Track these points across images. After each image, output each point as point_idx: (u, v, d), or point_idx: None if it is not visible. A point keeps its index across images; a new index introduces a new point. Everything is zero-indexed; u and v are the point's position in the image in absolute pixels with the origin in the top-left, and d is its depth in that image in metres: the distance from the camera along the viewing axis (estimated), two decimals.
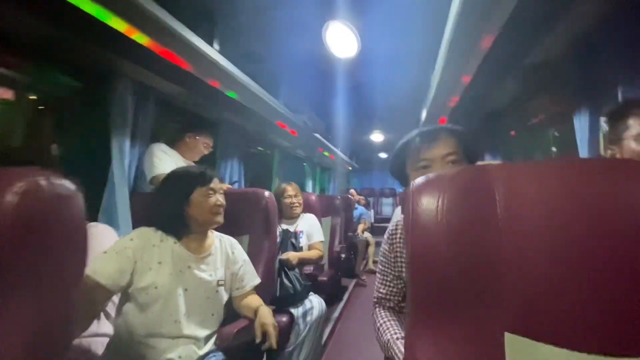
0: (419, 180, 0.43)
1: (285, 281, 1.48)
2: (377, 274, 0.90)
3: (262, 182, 3.39)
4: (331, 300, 2.65)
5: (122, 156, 1.45)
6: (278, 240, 1.79)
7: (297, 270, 1.61)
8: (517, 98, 1.91)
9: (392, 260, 0.84)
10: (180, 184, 1.07)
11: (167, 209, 1.06)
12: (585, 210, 0.36)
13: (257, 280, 1.17)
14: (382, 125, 3.81)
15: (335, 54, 1.73)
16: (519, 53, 1.31)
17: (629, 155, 0.77)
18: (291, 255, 1.63)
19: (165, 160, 1.55)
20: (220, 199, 1.08)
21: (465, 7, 0.99)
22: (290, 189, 1.97)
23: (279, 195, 1.97)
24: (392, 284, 0.85)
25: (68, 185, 0.52)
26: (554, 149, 2.14)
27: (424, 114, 2.21)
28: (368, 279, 3.68)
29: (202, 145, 1.74)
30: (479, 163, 0.83)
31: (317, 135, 3.10)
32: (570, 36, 1.21)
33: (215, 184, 1.09)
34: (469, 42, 1.15)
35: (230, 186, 2.02)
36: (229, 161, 2.32)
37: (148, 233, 1.03)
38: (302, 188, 4.37)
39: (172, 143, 1.70)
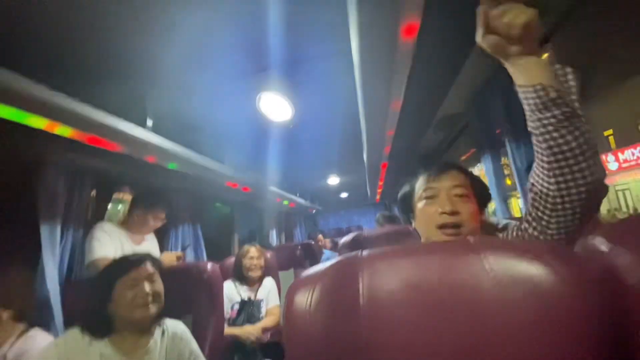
0: (295, 280, 0.47)
1: (236, 357, 1.41)
2: None
3: (225, 237, 3.31)
4: None
5: (53, 243, 1.38)
6: (236, 314, 1.73)
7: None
8: (442, 141, 2.14)
9: None
10: (102, 279, 0.99)
11: (91, 309, 0.97)
12: (427, 290, 0.42)
13: None
14: (335, 170, 3.97)
15: (271, 119, 1.84)
16: (429, 111, 1.49)
17: None
18: (255, 331, 1.59)
19: (106, 242, 1.49)
20: (146, 287, 0.97)
21: (365, 79, 1.12)
22: (254, 251, 1.95)
23: (242, 255, 1.94)
24: None
25: None
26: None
27: (365, 158, 2.36)
28: None
29: (152, 218, 1.69)
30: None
31: (272, 187, 3.15)
32: (465, 95, 1.42)
33: (140, 271, 0.99)
34: (380, 106, 1.30)
35: (180, 254, 1.96)
36: (179, 227, 2.26)
37: (75, 336, 0.94)
38: (265, 238, 4.32)
39: (122, 221, 1.65)
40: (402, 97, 1.28)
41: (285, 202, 4.02)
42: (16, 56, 0.96)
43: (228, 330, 1.59)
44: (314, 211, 6.36)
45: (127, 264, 0.99)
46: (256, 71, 1.48)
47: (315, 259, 3.62)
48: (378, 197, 4.49)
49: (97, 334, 0.94)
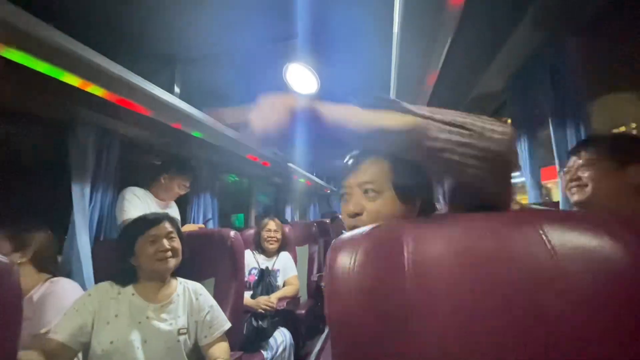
0: (337, 239, 0.46)
1: (253, 320, 1.46)
2: None
3: (240, 211, 3.37)
4: (312, 333, 2.59)
5: (84, 202, 1.43)
6: (255, 279, 1.80)
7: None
8: None
9: None
10: (126, 234, 1.09)
11: (116, 261, 1.08)
12: (474, 258, 0.40)
13: (227, 325, 1.14)
14: (352, 151, 3.91)
15: (297, 91, 1.80)
16: (463, 88, 1.42)
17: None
18: (273, 299, 1.65)
19: (136, 204, 1.56)
20: (166, 244, 1.07)
21: (403, 46, 1.06)
22: (273, 225, 2.04)
23: (261, 227, 2.04)
24: None
25: (3, 261, 0.51)
26: None
27: None
28: None
29: (177, 185, 1.74)
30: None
31: (290, 164, 3.14)
32: (506, 72, 1.33)
33: (159, 229, 1.08)
34: (414, 79, 1.24)
35: (202, 226, 2.01)
36: (201, 198, 2.31)
37: (105, 287, 1.05)
38: (282, 214, 4.38)
39: (148, 185, 1.70)
40: (439, 69, 1.21)
41: (302, 180, 4.02)
42: (54, 12, 0.95)
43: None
44: (328, 191, 6.36)
45: (147, 222, 1.09)
46: (284, 39, 1.43)
47: (329, 237, 3.65)
48: None
49: (123, 282, 1.05)
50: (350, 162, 0.69)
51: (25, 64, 0.92)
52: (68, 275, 1.27)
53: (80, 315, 0.96)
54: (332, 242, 0.46)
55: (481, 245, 0.41)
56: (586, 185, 0.85)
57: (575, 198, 0.87)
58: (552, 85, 1.11)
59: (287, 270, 1.94)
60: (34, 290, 1.08)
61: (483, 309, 0.38)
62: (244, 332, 1.43)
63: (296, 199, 4.80)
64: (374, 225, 0.47)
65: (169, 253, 1.07)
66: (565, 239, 0.39)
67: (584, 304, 0.35)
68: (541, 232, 0.40)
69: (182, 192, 1.79)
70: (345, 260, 0.43)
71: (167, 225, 1.10)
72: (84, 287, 1.30)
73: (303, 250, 2.74)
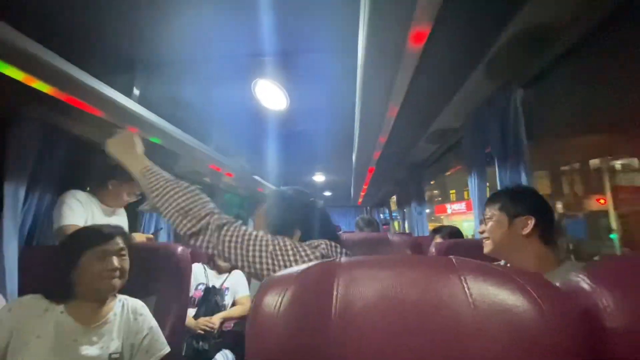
0: (267, 278, 0.45)
1: (194, 341, 1.38)
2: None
3: None
4: None
5: (16, 205, 1.29)
6: (200, 296, 1.70)
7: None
8: (432, 154, 2.16)
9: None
10: (70, 246, 0.97)
11: (55, 272, 0.96)
12: (404, 306, 0.40)
13: (165, 350, 1.04)
14: (322, 167, 3.96)
15: (266, 107, 1.80)
16: (424, 122, 1.50)
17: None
18: (215, 320, 1.57)
19: (77, 210, 1.44)
20: (115, 262, 0.97)
21: (366, 80, 1.10)
22: None
23: None
24: None
25: None
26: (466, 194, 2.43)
27: (354, 160, 2.35)
28: None
29: (127, 192, 1.62)
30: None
31: (256, 177, 3.10)
32: (461, 112, 1.43)
33: (111, 245, 0.98)
34: (376, 111, 1.29)
35: (151, 236, 1.89)
36: None
37: (30, 302, 0.92)
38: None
39: (94, 189, 1.58)
40: (400, 104, 1.27)
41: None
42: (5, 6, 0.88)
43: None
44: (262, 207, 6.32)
45: (99, 235, 0.98)
46: (255, 55, 1.43)
47: None
48: (360, 199, 4.51)
49: (55, 298, 0.93)
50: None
51: None
52: None
53: None
54: (262, 280, 0.45)
55: (409, 293, 0.42)
56: (488, 238, 0.98)
57: (484, 250, 0.99)
58: (500, 128, 1.21)
59: (239, 289, 1.86)
60: None
61: (407, 356, 0.39)
62: (183, 353, 1.34)
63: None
64: (308, 265, 0.47)
65: (117, 273, 0.97)
66: (485, 293, 0.40)
67: (499, 353, 0.37)
68: (464, 284, 0.41)
69: (132, 200, 1.68)
70: (271, 302, 0.41)
71: (119, 241, 1.01)
72: (6, 299, 1.16)
73: None
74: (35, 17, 1.06)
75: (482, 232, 1.01)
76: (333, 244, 0.79)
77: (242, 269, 0.72)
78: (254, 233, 0.74)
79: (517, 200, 0.95)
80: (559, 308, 0.36)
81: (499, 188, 1.21)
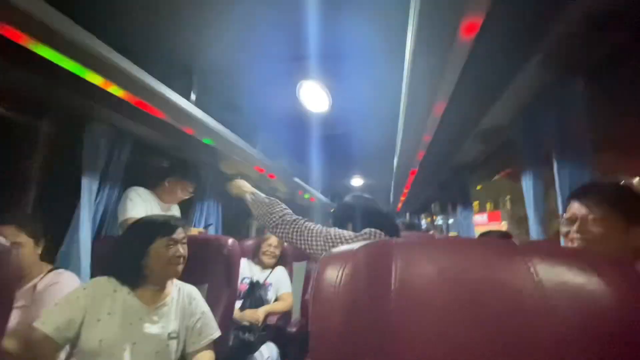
0: (326, 253, 0.47)
1: (240, 332, 1.44)
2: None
3: (242, 219, 3.38)
4: (302, 352, 2.51)
5: (91, 197, 1.46)
6: (246, 290, 1.78)
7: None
8: (478, 155, 2.06)
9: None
10: (141, 233, 1.07)
11: (125, 258, 1.05)
12: (461, 284, 0.40)
13: (216, 334, 1.12)
14: (361, 171, 3.94)
15: (309, 109, 1.85)
16: (471, 119, 1.44)
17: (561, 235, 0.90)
18: (260, 313, 1.63)
19: (139, 205, 1.59)
20: (181, 250, 1.07)
21: (413, 76, 1.09)
22: (274, 240, 2.03)
23: (263, 240, 2.04)
24: None
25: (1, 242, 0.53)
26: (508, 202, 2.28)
27: (395, 162, 2.32)
28: None
29: (181, 189, 1.77)
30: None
31: (296, 179, 3.16)
32: (513, 107, 1.35)
33: (178, 234, 1.08)
34: (422, 109, 1.26)
35: (203, 230, 2.02)
36: (205, 203, 2.33)
37: (102, 282, 1.03)
38: None
39: (153, 186, 1.73)
40: (448, 100, 1.24)
41: (306, 196, 4.03)
42: (83, 14, 1.01)
43: None
44: (332, 210, 6.35)
45: (168, 226, 1.08)
46: (300, 58, 1.49)
47: None
48: (400, 205, 4.40)
49: (127, 282, 1.03)
50: None
51: (53, 61, 0.97)
52: (66, 267, 1.29)
53: (71, 308, 0.93)
54: (322, 255, 0.47)
55: (469, 273, 0.42)
56: (592, 241, 0.80)
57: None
58: (558, 126, 1.12)
59: (281, 285, 1.91)
60: (37, 279, 1.09)
61: (467, 338, 0.38)
62: (230, 343, 1.41)
63: (298, 214, 4.78)
64: (368, 242, 0.48)
65: (181, 259, 1.08)
66: (553, 274, 0.39)
67: (568, 340, 0.35)
68: (530, 265, 0.40)
69: (186, 197, 1.81)
70: (332, 274, 0.43)
71: (181, 232, 1.11)
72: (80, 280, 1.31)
73: (300, 267, 2.71)
74: (110, 26, 1.20)
75: (574, 233, 0.84)
76: (377, 231, 0.99)
77: (304, 250, 1.02)
78: (311, 225, 1.05)
79: (632, 204, 0.79)
80: (634, 289, 0.33)
81: (558, 194, 1.12)
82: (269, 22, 1.25)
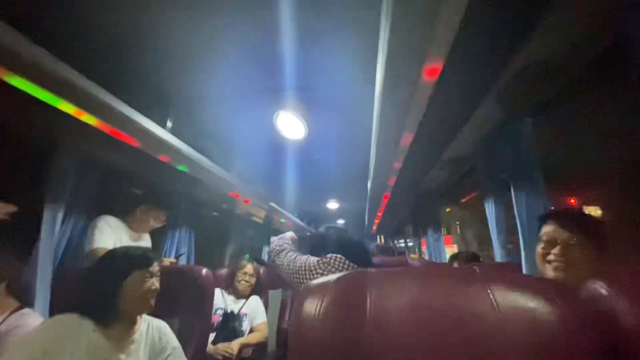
0: (305, 286, 0.49)
1: None
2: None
3: (215, 247, 3.28)
4: None
5: (54, 228, 1.38)
6: (219, 321, 1.71)
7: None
8: (445, 181, 2.19)
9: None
10: (116, 266, 1.02)
11: (95, 292, 0.99)
12: (428, 309, 0.44)
13: None
14: (336, 195, 4.01)
15: (285, 136, 1.90)
16: (436, 149, 1.55)
17: (537, 254, 0.93)
18: (234, 345, 1.57)
19: (107, 234, 1.52)
20: (156, 283, 1.04)
21: (383, 109, 1.17)
22: (250, 268, 1.99)
23: (237, 268, 1.97)
24: None
25: None
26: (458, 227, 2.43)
27: (369, 187, 2.40)
28: None
29: (153, 218, 1.71)
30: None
31: (272, 204, 3.16)
32: (474, 140, 1.48)
33: (154, 267, 1.05)
34: (391, 138, 1.35)
35: (174, 260, 1.95)
36: (177, 231, 2.26)
37: (64, 320, 0.95)
38: (259, 253, 4.27)
39: (123, 215, 1.66)
40: (415, 132, 1.33)
41: (282, 221, 4.01)
42: (56, 42, 1.00)
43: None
44: (308, 233, 6.32)
45: (145, 258, 1.05)
46: (276, 89, 1.55)
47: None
48: (375, 227, 4.48)
49: (96, 318, 0.96)
50: None
51: (26, 90, 0.96)
52: (23, 299, 1.19)
53: (31, 351, 0.85)
54: (302, 287, 0.49)
55: (436, 301, 0.46)
56: (572, 266, 0.83)
57: (556, 274, 0.85)
58: (512, 157, 1.25)
59: (256, 315, 1.85)
60: (0, 317, 1.00)
61: (434, 355, 0.42)
62: None
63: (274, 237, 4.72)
64: (340, 274, 0.51)
65: (155, 293, 1.04)
66: (509, 299, 0.44)
67: (521, 356, 0.39)
68: (489, 291, 0.45)
69: (157, 226, 1.75)
70: (311, 307, 0.46)
71: (157, 264, 1.08)
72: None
73: (276, 295, 2.64)
74: (84, 53, 1.20)
75: (556, 257, 0.86)
76: (337, 255, 1.01)
77: (286, 278, 1.06)
78: (294, 255, 1.08)
79: (602, 232, 0.84)
80: (579, 312, 0.39)
81: (517, 216, 1.21)
82: (245, 55, 1.31)
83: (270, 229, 4.37)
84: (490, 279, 0.47)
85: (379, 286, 0.48)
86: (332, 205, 4.50)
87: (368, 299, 0.46)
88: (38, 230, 1.32)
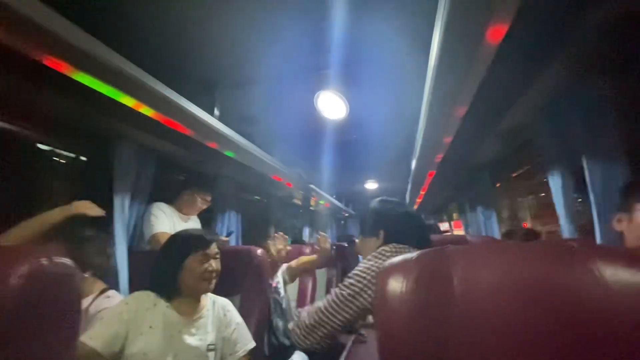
0: (387, 264, 0.48)
1: (273, 339, 1.44)
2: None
3: (258, 229, 3.42)
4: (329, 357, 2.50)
5: (124, 214, 1.51)
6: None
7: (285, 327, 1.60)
8: (497, 155, 2.04)
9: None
10: (176, 249, 1.10)
11: (161, 273, 1.09)
12: (525, 289, 0.41)
13: (251, 345, 1.14)
14: (375, 175, 3.94)
15: (326, 117, 1.87)
16: (492, 120, 1.43)
17: (635, 224, 0.83)
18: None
19: (162, 219, 1.64)
20: (213, 265, 1.10)
21: (437, 79, 1.10)
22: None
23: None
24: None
25: (68, 264, 0.56)
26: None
27: (413, 164, 2.32)
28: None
29: (200, 200, 1.81)
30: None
31: (311, 185, 3.19)
32: (538, 107, 1.34)
33: (211, 249, 1.11)
34: (445, 110, 1.27)
35: (227, 238, 2.06)
36: (226, 212, 2.37)
37: (142, 296, 1.06)
38: (299, 234, 4.39)
39: (171, 200, 1.77)
40: (470, 102, 1.24)
41: (322, 202, 4.05)
42: (110, 36, 1.05)
43: None
44: (346, 214, 6.34)
45: (201, 242, 1.10)
46: (319, 68, 1.51)
47: (347, 261, 3.60)
48: (416, 207, 4.37)
49: (164, 295, 1.06)
50: None
51: (92, 87, 1.02)
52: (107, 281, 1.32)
53: (115, 323, 0.96)
54: (381, 266, 0.48)
55: (532, 276, 0.42)
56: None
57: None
58: (586, 123, 1.12)
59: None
60: (90, 299, 1.12)
61: (531, 342, 0.39)
62: (266, 351, 1.41)
63: (314, 219, 4.82)
64: (422, 251, 0.49)
65: (214, 274, 1.10)
66: (618, 276, 0.39)
67: (635, 340, 0.35)
68: (594, 267, 0.40)
69: (204, 207, 1.85)
70: (396, 285, 0.44)
71: (215, 247, 1.13)
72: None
73: (322, 274, 2.72)
74: (138, 47, 1.24)
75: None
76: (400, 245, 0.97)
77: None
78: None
79: None
80: None
81: (590, 190, 1.10)
82: (289, 33, 1.28)
83: (309, 210, 4.45)
84: (596, 254, 0.42)
85: (463, 264, 0.46)
86: (371, 185, 4.44)
87: (454, 278, 0.44)
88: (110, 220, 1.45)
